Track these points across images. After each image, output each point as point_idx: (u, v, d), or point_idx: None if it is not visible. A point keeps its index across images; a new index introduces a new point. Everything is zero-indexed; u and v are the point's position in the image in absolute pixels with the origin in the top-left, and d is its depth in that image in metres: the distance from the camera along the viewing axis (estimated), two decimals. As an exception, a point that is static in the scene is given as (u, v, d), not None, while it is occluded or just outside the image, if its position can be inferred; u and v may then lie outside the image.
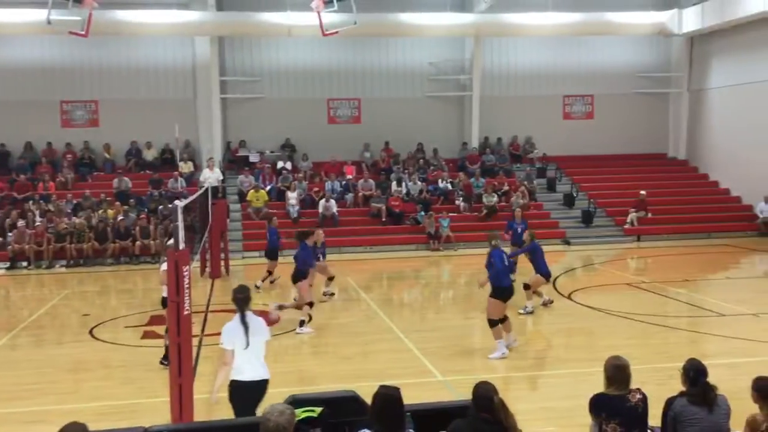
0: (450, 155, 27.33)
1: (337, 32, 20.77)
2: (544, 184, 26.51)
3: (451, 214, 23.63)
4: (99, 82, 25.56)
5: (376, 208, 23.85)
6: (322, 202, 23.63)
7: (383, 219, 23.65)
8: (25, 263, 20.86)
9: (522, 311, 13.50)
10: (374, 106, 27.12)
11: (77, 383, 10.16)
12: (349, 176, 25.46)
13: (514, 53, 27.97)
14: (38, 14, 19.44)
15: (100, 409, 8.89)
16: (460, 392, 8.61)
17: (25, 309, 15.66)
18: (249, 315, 6.78)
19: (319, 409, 5.53)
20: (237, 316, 6.75)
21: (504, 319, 10.88)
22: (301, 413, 5.44)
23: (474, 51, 26.92)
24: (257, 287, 15.56)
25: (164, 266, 10.91)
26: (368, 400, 4.91)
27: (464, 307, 14.73)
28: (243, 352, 6.65)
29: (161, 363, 10.27)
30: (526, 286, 13.71)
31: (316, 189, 24.64)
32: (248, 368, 6.68)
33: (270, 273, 16.58)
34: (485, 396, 4.88)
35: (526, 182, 25.42)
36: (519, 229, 15.67)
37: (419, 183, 24.98)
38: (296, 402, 5.53)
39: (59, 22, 17.95)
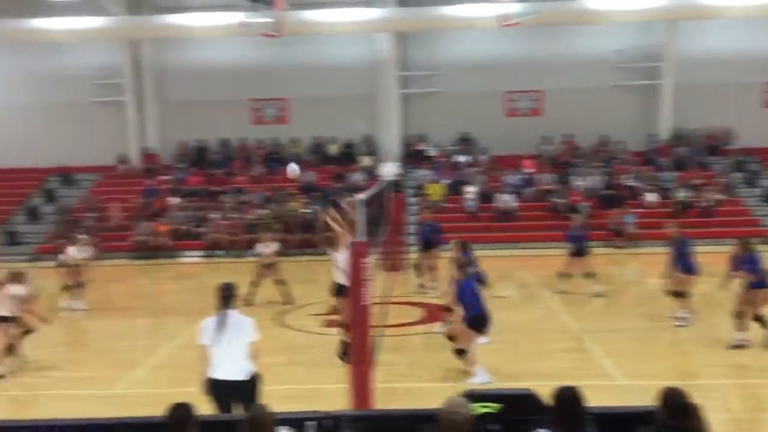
0: (635, 147, 25.97)
1: (518, 23, 20.34)
2: (743, 179, 24.49)
3: (637, 210, 22.44)
4: (287, 81, 26.82)
5: (556, 203, 23.18)
6: (500, 196, 23.33)
7: (563, 214, 22.91)
8: (220, 252, 22.37)
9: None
10: (556, 97, 26.34)
11: (266, 366, 10.55)
12: (528, 170, 24.94)
13: (712, 38, 25.88)
14: (232, 17, 20.71)
15: (286, 392, 9.25)
16: (644, 397, 8.11)
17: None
18: (231, 313, 6.65)
19: (496, 406, 5.41)
20: (217, 313, 6.65)
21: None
22: (478, 408, 5.35)
23: (667, 37, 25.32)
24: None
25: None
26: (546, 400, 4.71)
27: (649, 309, 13.85)
28: (216, 349, 6.56)
29: (341, 358, 10.41)
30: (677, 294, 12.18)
31: (494, 183, 24.37)
32: (221, 366, 6.58)
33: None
34: (678, 401, 4.52)
35: (722, 176, 23.62)
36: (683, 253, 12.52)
37: (602, 177, 23.95)
38: (473, 397, 5.43)
39: (252, 24, 18.97)
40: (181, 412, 4.82)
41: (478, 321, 9.70)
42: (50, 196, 25.23)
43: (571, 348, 11.11)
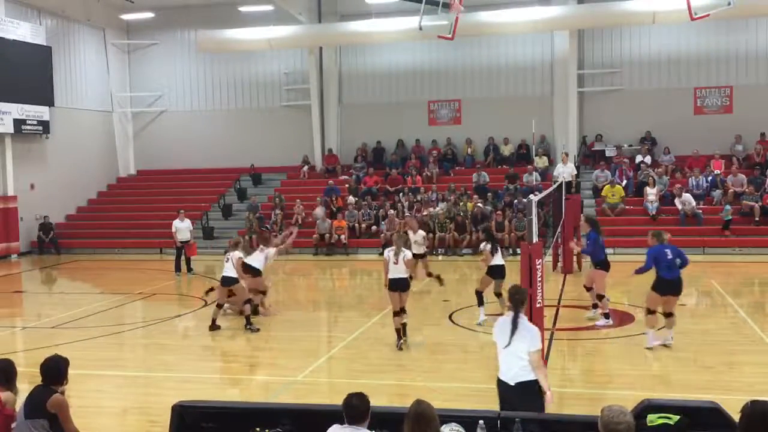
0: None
1: (707, 15, 19.16)
2: None
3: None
4: (462, 82, 27.04)
5: (749, 206, 21.65)
6: (686, 196, 22.16)
7: (757, 218, 21.38)
8: (395, 250, 22.94)
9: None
10: (747, 93, 24.55)
11: (437, 363, 10.90)
12: (717, 171, 23.44)
13: None
14: (409, 22, 21.19)
15: (458, 390, 9.44)
16: None
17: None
18: (522, 317, 6.49)
19: (675, 417, 5.25)
20: (510, 314, 6.52)
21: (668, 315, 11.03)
22: (656, 419, 5.22)
23: None
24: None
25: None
26: (734, 415, 4.51)
27: None
28: (502, 350, 6.50)
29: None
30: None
31: (678, 185, 23.16)
32: (504, 368, 6.52)
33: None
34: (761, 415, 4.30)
35: None
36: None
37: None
38: (651, 407, 5.31)
39: (429, 27, 19.26)
40: (357, 402, 5.01)
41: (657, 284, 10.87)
42: (242, 195, 27.12)
43: (760, 361, 10.40)
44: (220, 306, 13.32)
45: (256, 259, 13.69)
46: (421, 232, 16.48)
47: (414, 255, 14.28)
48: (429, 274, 16.66)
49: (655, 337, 10.98)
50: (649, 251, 10.94)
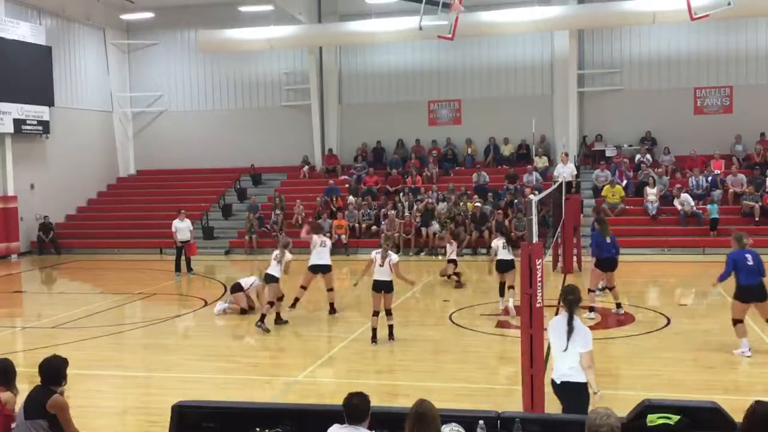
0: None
1: (707, 15, 19.16)
2: None
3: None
4: (462, 83, 27.05)
5: (749, 207, 21.65)
6: (684, 196, 22.16)
7: (756, 219, 21.38)
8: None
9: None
10: (748, 93, 24.55)
11: (437, 364, 10.90)
12: (717, 171, 23.43)
13: None
14: (409, 22, 21.21)
15: (457, 390, 9.44)
16: None
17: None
18: (576, 319, 6.51)
19: (675, 417, 5.25)
20: (565, 316, 6.53)
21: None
22: (656, 419, 5.22)
23: None
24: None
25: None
26: (734, 415, 4.51)
27: None
28: (557, 352, 6.52)
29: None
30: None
31: (678, 185, 23.16)
32: (554, 367, 6.61)
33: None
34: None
35: None
36: None
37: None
38: (651, 407, 5.31)
39: (429, 27, 19.27)
40: (358, 401, 5.03)
41: (738, 291, 10.48)
42: (242, 195, 27.11)
43: (760, 362, 10.39)
44: (280, 299, 13.46)
45: (324, 256, 14.08)
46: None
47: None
48: (453, 274, 17.13)
49: (747, 344, 10.61)
50: (729, 256, 10.63)
